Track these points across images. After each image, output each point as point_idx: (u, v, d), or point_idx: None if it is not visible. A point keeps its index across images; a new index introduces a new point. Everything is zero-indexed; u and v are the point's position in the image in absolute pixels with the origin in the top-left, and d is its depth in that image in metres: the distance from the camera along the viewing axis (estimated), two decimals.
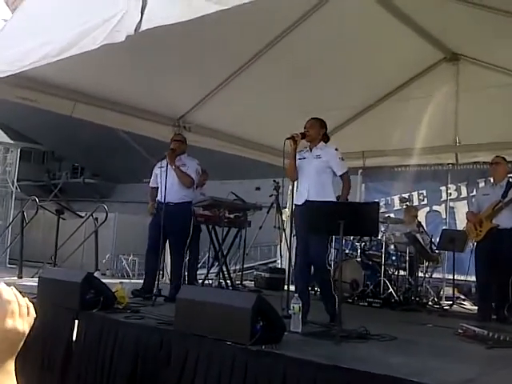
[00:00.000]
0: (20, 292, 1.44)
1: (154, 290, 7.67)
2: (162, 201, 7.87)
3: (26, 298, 1.42)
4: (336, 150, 7.13)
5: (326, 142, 7.22)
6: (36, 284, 6.66)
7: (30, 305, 1.41)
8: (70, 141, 35.78)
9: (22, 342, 1.38)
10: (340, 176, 7.08)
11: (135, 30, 5.18)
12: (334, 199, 6.96)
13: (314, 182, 6.94)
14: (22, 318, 1.36)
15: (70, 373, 5.61)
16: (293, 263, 7.14)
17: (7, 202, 21.17)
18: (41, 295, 6.39)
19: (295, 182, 7.04)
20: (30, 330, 1.40)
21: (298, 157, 7.10)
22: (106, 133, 24.95)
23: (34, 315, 1.40)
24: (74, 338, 5.77)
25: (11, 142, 22.67)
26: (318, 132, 7.14)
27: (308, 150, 7.16)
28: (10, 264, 16.93)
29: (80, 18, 6.01)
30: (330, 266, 6.91)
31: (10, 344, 1.35)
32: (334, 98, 10.17)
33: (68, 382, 5.59)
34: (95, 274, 7.07)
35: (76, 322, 5.82)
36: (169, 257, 8.96)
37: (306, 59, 9.09)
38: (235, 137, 11.62)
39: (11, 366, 1.36)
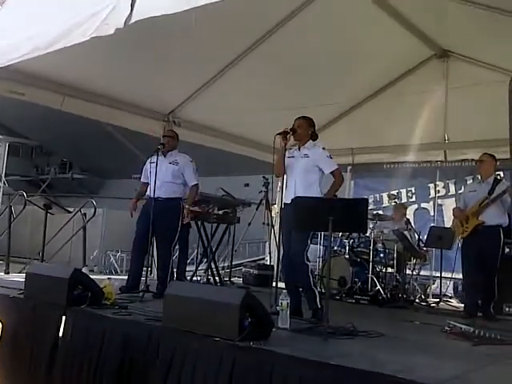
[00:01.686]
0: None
1: (142, 286, 7.65)
2: (152, 196, 7.84)
3: None
4: (323, 149, 7.14)
5: (314, 140, 7.22)
6: (23, 280, 6.60)
7: None
8: (58, 136, 35.65)
9: None
10: (331, 173, 7.10)
11: (125, 23, 5.16)
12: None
13: (301, 181, 6.95)
14: None
15: (57, 369, 5.57)
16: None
17: None
18: (28, 291, 6.36)
19: (284, 179, 7.00)
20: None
21: (287, 155, 7.08)
22: (94, 128, 24.81)
23: None
24: (61, 334, 5.73)
25: None
26: (306, 131, 7.12)
27: (297, 149, 7.15)
28: None
29: (69, 11, 5.99)
30: (309, 261, 6.91)
31: None
32: (324, 94, 10.19)
33: (54, 378, 5.55)
34: (83, 270, 7.04)
35: (63, 318, 5.77)
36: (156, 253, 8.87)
37: (296, 55, 9.12)
38: (224, 132, 11.61)
39: None
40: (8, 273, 9.74)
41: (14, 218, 11.08)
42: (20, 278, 7.52)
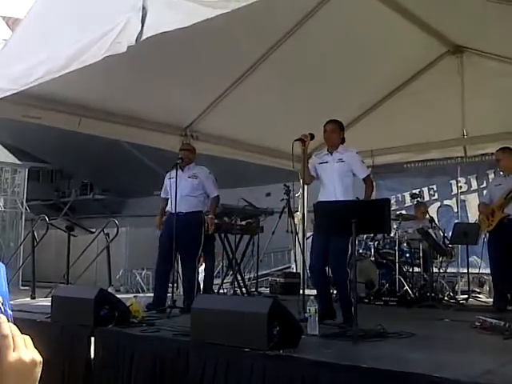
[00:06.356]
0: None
1: (168, 302, 7.63)
2: (173, 211, 7.82)
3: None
4: (357, 153, 7.15)
5: (342, 144, 7.19)
6: (49, 304, 6.59)
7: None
8: (77, 158, 35.83)
9: (39, 372, 1.34)
10: (363, 179, 7.10)
11: (136, 40, 5.16)
12: None
13: (339, 186, 6.92)
14: (28, 348, 1.32)
15: None
16: (307, 266, 7.10)
17: (17, 223, 21.17)
18: (54, 314, 6.35)
19: (307, 186, 6.97)
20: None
21: (318, 161, 7.09)
22: (113, 148, 24.98)
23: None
24: (93, 356, 5.71)
25: (18, 162, 22.65)
26: (339, 136, 7.14)
27: (328, 154, 7.12)
28: (22, 286, 16.93)
29: (80, 33, 6.02)
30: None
31: (24, 376, 1.31)
32: (340, 97, 10.14)
33: None
34: (109, 290, 7.03)
35: (92, 338, 5.77)
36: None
37: (310, 60, 9.11)
38: (243, 143, 11.54)
39: None
40: (34, 298, 9.73)
41: (37, 242, 11.09)
42: (46, 302, 7.51)
